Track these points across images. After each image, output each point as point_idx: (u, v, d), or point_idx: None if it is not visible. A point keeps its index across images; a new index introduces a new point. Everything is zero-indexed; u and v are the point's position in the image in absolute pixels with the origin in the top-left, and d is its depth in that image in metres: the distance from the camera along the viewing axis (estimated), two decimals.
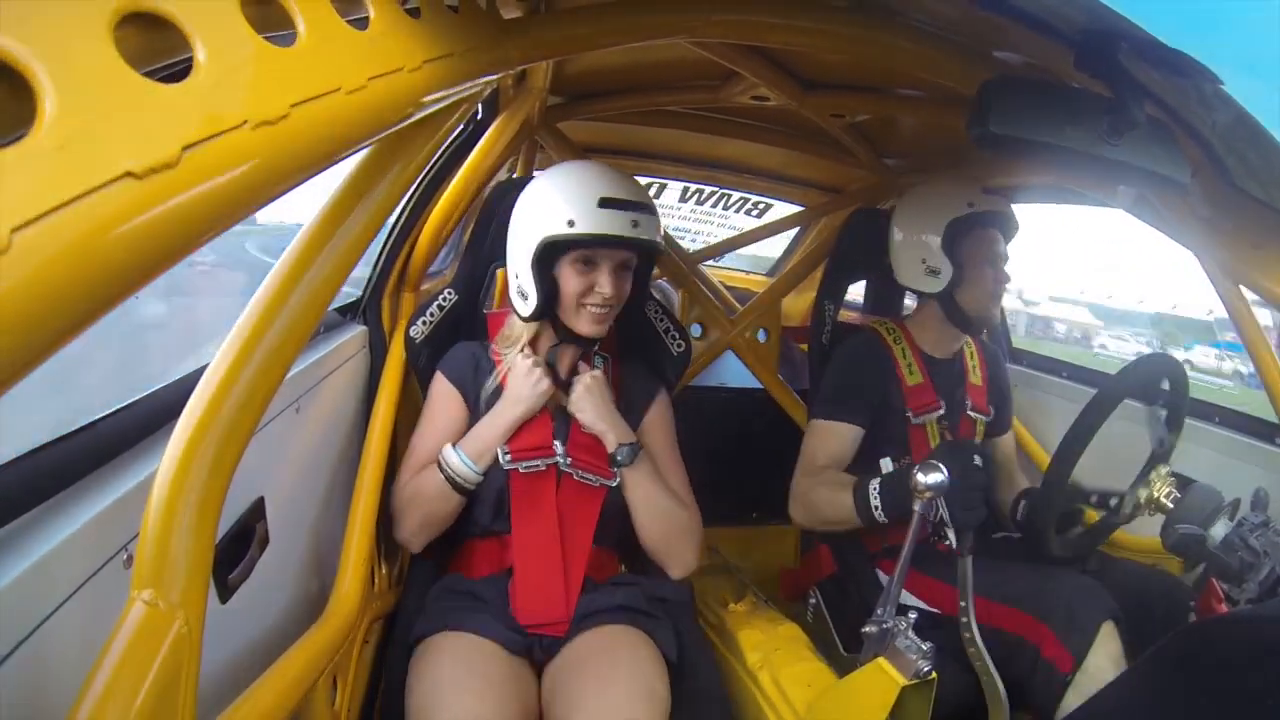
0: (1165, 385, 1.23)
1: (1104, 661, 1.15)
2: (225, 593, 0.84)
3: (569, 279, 1.16)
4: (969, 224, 1.46)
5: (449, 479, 1.18)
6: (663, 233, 1.23)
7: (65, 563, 0.61)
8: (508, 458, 1.19)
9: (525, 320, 1.22)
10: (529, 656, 1.13)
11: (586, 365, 1.27)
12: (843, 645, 1.52)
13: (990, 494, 1.15)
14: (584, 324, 1.19)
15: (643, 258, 1.23)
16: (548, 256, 1.15)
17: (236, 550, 0.88)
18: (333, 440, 1.27)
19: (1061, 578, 1.24)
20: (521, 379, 1.20)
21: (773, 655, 1.34)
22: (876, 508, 1.27)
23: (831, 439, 1.49)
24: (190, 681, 0.50)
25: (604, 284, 1.16)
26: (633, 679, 1.04)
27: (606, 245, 1.14)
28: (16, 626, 0.55)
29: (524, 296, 1.20)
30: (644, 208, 1.15)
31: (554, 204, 1.14)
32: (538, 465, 1.20)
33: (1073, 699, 1.16)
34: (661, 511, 1.23)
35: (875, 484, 1.28)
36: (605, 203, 1.12)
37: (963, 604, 1.14)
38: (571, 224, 1.12)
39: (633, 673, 1.05)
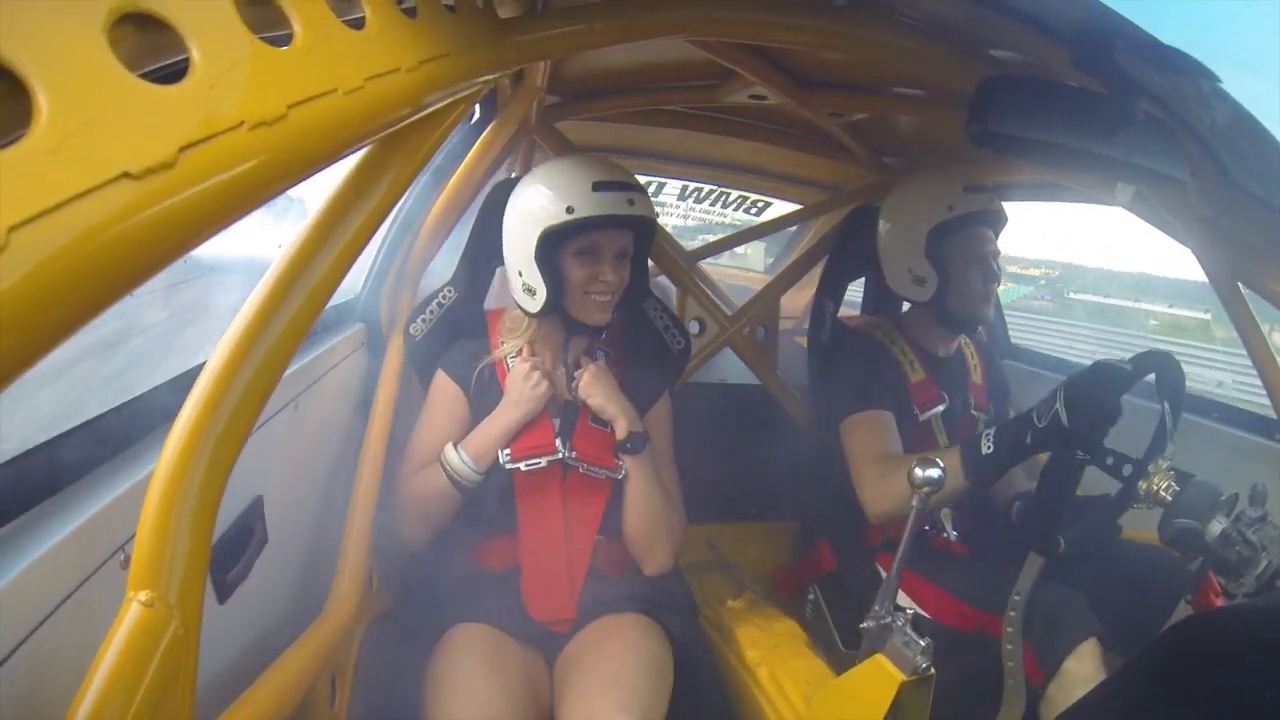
0: (1161, 380, 1.22)
1: (1076, 679, 1.15)
2: (223, 593, 0.84)
3: (573, 269, 1.18)
4: (951, 228, 1.43)
5: (450, 478, 1.19)
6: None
7: (62, 563, 0.61)
8: (508, 458, 1.20)
9: (534, 315, 1.23)
10: (542, 648, 1.16)
11: (589, 359, 1.28)
12: (841, 642, 1.52)
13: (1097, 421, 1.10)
14: (591, 312, 1.20)
15: (638, 243, 1.25)
16: (550, 249, 1.17)
17: (234, 550, 0.88)
18: (331, 438, 1.27)
19: (1050, 589, 1.20)
20: (520, 382, 1.21)
21: (771, 652, 1.34)
22: (989, 446, 1.18)
23: (877, 426, 1.44)
24: (188, 682, 0.50)
25: (608, 270, 1.18)
26: (639, 657, 1.08)
27: (607, 228, 1.17)
28: (14, 627, 0.55)
29: (531, 293, 1.20)
30: (636, 187, 1.18)
31: (549, 196, 1.16)
32: (539, 463, 1.20)
33: (1045, 711, 1.17)
34: (653, 507, 1.24)
35: (991, 429, 1.21)
36: (599, 186, 1.15)
37: (1016, 597, 1.13)
38: (570, 210, 1.14)
39: (639, 651, 1.09)
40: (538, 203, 1.17)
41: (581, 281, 1.19)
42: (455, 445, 1.20)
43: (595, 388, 1.22)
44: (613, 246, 1.19)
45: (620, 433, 1.22)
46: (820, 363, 1.77)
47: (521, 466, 1.20)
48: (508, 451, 1.20)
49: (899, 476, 1.32)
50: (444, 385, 1.28)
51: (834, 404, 1.53)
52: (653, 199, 2.33)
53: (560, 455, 1.21)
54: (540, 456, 1.21)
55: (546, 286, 1.18)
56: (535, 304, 1.20)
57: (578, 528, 1.23)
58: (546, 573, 1.20)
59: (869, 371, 1.51)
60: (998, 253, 1.48)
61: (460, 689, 1.01)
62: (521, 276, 1.21)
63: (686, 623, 1.23)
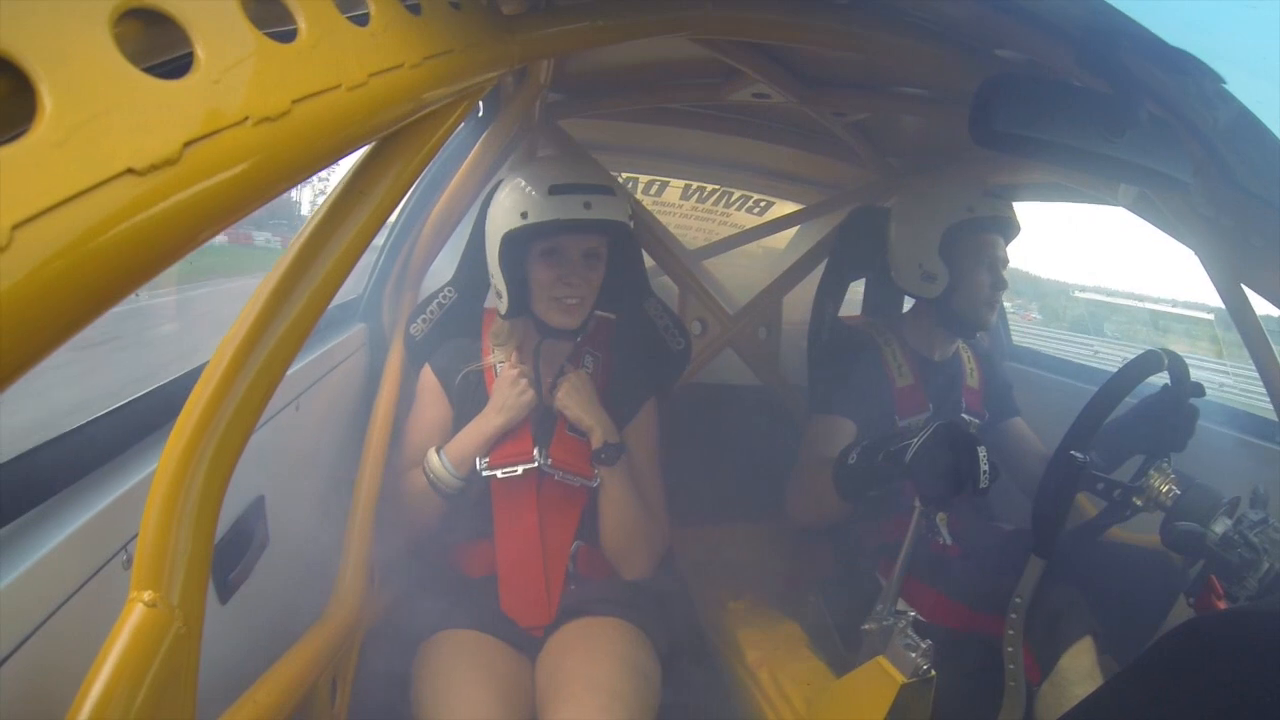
0: (1167, 380, 1.22)
1: (1071, 676, 1.15)
2: (225, 593, 0.84)
3: (538, 272, 1.18)
4: (967, 229, 1.44)
5: (431, 483, 1.19)
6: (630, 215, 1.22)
7: (65, 563, 0.61)
8: (485, 465, 1.20)
9: (503, 318, 1.24)
10: (524, 651, 1.16)
11: (573, 367, 1.28)
12: (842, 644, 1.52)
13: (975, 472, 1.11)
14: (555, 315, 1.19)
15: (615, 242, 1.23)
16: (513, 253, 1.17)
17: (236, 550, 0.88)
18: (333, 438, 1.27)
19: (1050, 589, 1.20)
20: (506, 388, 1.21)
21: (772, 654, 1.34)
22: (851, 457, 1.20)
23: (825, 433, 1.47)
24: (189, 682, 0.50)
25: (570, 274, 1.17)
26: (620, 660, 1.07)
27: (563, 231, 1.15)
28: (17, 627, 0.55)
29: (500, 295, 1.22)
30: (597, 189, 1.16)
31: (510, 201, 1.16)
32: (515, 470, 1.20)
33: (1041, 708, 1.17)
34: (629, 517, 1.23)
35: (863, 443, 1.22)
36: (556, 189, 1.14)
37: (1018, 600, 1.14)
38: (524, 215, 1.14)
39: (619, 655, 1.08)
40: (502, 206, 1.18)
41: (547, 284, 1.18)
42: (439, 450, 1.20)
43: (572, 398, 1.22)
44: (577, 249, 1.18)
45: (595, 443, 1.21)
46: (818, 362, 1.77)
47: (498, 474, 1.20)
48: (486, 459, 1.20)
49: (816, 483, 1.34)
50: (428, 381, 1.28)
51: (810, 400, 1.62)
52: (661, 199, 2.34)
53: (537, 464, 1.21)
54: (517, 464, 1.20)
55: (509, 290, 1.19)
56: (503, 306, 1.22)
57: (554, 535, 1.22)
58: (522, 579, 1.20)
59: (848, 376, 1.52)
60: (1007, 261, 1.49)
61: (452, 693, 1.01)
62: (493, 279, 1.22)
63: (675, 624, 1.23)
